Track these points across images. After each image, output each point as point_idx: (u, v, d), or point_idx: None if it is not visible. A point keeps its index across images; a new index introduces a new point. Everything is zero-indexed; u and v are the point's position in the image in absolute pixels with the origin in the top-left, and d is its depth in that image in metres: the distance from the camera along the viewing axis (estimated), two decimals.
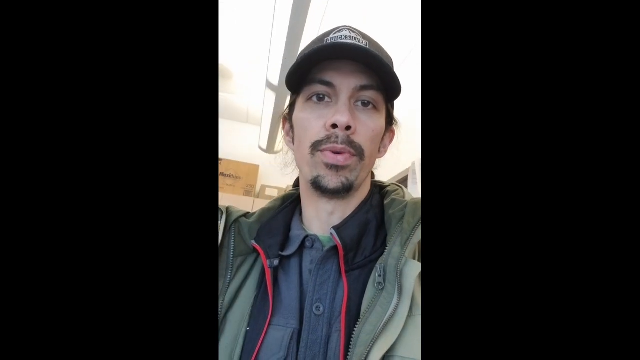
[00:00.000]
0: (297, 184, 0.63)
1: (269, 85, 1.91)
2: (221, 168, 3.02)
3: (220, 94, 2.74)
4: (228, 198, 2.84)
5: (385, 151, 0.59)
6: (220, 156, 3.02)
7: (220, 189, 2.95)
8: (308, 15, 1.29)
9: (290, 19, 1.30)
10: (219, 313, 0.49)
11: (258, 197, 3.00)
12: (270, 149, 2.71)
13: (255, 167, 3.08)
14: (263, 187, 3.05)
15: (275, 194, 2.88)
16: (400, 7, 1.67)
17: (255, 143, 2.92)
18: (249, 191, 3.03)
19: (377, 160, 0.57)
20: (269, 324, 0.48)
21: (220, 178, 3.00)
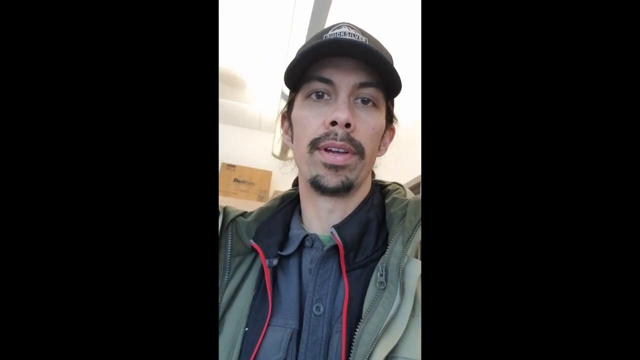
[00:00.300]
0: (296, 183, 0.62)
1: (284, 96, 1.94)
2: (235, 174, 3.07)
3: (234, 102, 2.78)
4: (242, 203, 2.87)
5: (386, 149, 0.57)
6: (234, 163, 3.07)
7: (234, 195, 3.00)
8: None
9: (307, 34, 1.31)
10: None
11: None
12: (283, 155, 2.73)
13: (269, 173, 3.11)
14: (276, 193, 3.07)
15: None
16: (416, 14, 1.66)
17: (268, 150, 2.95)
18: (262, 197, 3.06)
19: (377, 159, 0.56)
20: (267, 325, 0.47)
21: (235, 184, 3.05)
